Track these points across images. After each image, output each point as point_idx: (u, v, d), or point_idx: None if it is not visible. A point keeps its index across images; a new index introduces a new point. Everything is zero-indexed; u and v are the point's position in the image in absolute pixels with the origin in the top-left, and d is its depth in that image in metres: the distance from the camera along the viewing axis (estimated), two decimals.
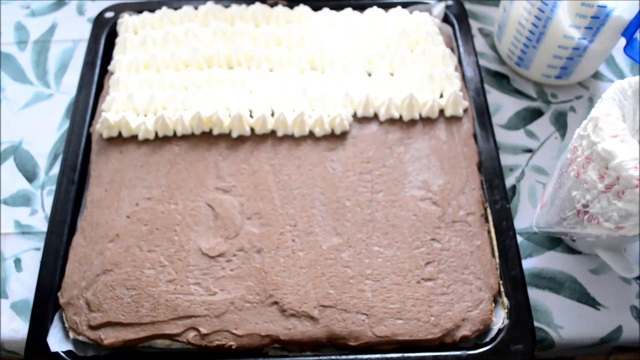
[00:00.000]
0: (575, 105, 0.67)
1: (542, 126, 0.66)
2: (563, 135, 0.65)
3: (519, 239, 0.58)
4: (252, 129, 0.63)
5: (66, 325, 0.53)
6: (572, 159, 0.48)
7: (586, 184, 0.45)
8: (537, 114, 0.67)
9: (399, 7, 0.71)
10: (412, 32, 0.68)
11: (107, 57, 0.70)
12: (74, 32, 0.76)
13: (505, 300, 0.52)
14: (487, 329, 0.52)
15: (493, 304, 0.53)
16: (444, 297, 0.52)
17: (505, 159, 0.63)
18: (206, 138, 0.63)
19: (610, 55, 0.71)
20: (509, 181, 0.62)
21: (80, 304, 0.53)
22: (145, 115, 0.64)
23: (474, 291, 0.53)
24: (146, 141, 0.63)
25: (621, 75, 0.70)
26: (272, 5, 0.72)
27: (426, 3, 0.72)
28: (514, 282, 0.53)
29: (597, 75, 0.70)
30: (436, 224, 0.56)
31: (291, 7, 0.71)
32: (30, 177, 0.64)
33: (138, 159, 0.61)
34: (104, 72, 0.69)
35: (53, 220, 0.58)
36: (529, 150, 0.64)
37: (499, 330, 0.51)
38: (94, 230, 0.57)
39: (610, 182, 0.43)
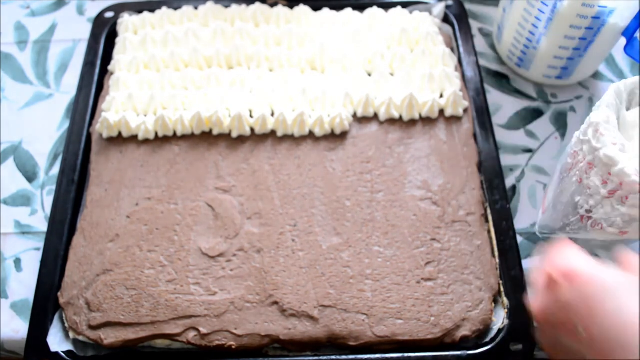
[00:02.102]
0: (575, 105, 0.67)
1: (542, 126, 0.66)
2: (563, 135, 0.65)
3: (519, 239, 0.58)
4: (252, 129, 0.63)
5: (66, 325, 0.53)
6: (573, 164, 0.47)
7: (589, 190, 0.45)
8: (537, 114, 0.67)
9: (399, 7, 0.71)
10: (412, 32, 0.68)
11: (107, 57, 0.70)
12: (74, 32, 0.76)
13: (505, 300, 0.52)
14: (487, 329, 0.52)
15: (493, 304, 0.53)
16: (444, 297, 0.52)
17: (505, 159, 0.63)
18: (206, 138, 0.63)
19: (610, 55, 0.71)
20: (509, 181, 0.62)
21: (80, 304, 0.53)
22: (145, 115, 0.64)
23: (474, 291, 0.53)
24: (146, 141, 0.63)
25: (621, 75, 0.70)
26: (272, 5, 0.72)
27: (426, 3, 0.72)
28: (514, 282, 0.53)
29: (597, 75, 0.70)
30: (436, 224, 0.56)
31: (291, 7, 0.71)
32: (30, 177, 0.64)
33: (138, 159, 0.61)
34: (104, 72, 0.69)
35: (53, 220, 0.58)
36: (529, 150, 0.64)
37: (499, 330, 0.51)
38: (94, 230, 0.57)
39: (613, 188, 0.43)
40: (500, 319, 0.52)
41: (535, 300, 0.40)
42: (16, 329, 0.55)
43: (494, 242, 0.55)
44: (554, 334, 0.38)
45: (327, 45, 0.67)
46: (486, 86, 0.68)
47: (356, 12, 0.71)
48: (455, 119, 0.63)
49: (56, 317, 0.53)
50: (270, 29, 0.69)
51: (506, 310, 0.52)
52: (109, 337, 0.51)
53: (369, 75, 0.67)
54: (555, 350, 0.39)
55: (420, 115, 0.63)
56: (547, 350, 0.40)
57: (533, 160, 0.64)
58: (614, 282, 0.35)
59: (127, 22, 0.71)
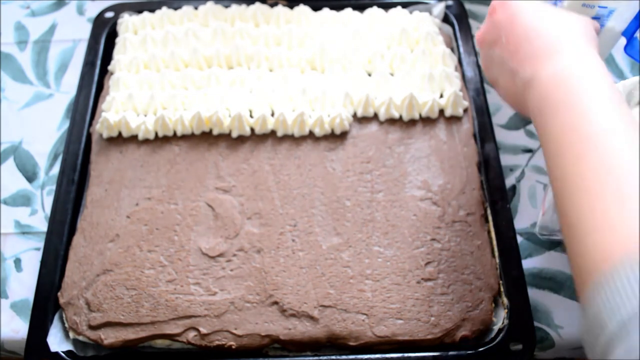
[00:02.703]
0: None
1: None
2: None
3: (519, 239, 0.58)
4: (252, 129, 0.63)
5: (66, 325, 0.53)
6: None
7: None
8: None
9: (399, 7, 0.71)
10: (412, 32, 0.68)
11: (107, 57, 0.70)
12: (74, 32, 0.76)
13: (505, 300, 0.52)
14: (487, 329, 0.52)
15: (493, 304, 0.53)
16: (444, 297, 0.52)
17: (505, 159, 0.63)
18: (206, 138, 0.63)
19: (610, 55, 0.71)
20: (509, 181, 0.62)
21: (80, 304, 0.53)
22: (145, 115, 0.64)
23: (474, 291, 0.53)
24: (146, 141, 0.63)
25: (621, 75, 0.70)
26: (272, 5, 0.72)
27: (426, 3, 0.72)
28: (514, 282, 0.53)
29: None
30: (436, 224, 0.56)
31: (291, 7, 0.71)
32: (30, 177, 0.64)
33: (138, 159, 0.61)
34: (104, 72, 0.69)
35: (53, 220, 0.58)
36: (529, 150, 0.64)
37: (499, 330, 0.51)
38: (94, 230, 0.57)
39: None
40: (500, 319, 0.52)
41: (480, 30, 0.51)
42: (16, 329, 0.55)
43: (494, 242, 0.55)
44: (488, 51, 0.49)
45: (327, 45, 0.67)
46: (486, 86, 0.68)
47: (356, 12, 0.71)
48: (455, 119, 0.63)
49: (56, 317, 0.53)
50: (270, 29, 0.69)
51: (506, 310, 0.52)
52: (109, 337, 0.51)
53: (369, 75, 0.67)
54: (488, 65, 0.50)
55: (420, 115, 0.63)
56: (484, 69, 0.51)
57: (533, 160, 0.64)
58: (528, 3, 0.46)
59: (127, 22, 0.71)
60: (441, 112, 0.63)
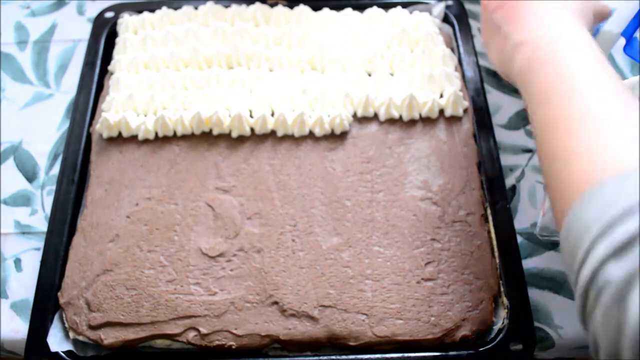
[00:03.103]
0: None
1: None
2: None
3: (519, 239, 0.58)
4: (252, 129, 0.63)
5: (66, 325, 0.53)
6: None
7: None
8: None
9: (399, 7, 0.71)
10: (412, 32, 0.68)
11: (107, 57, 0.70)
12: (74, 32, 0.76)
13: (505, 300, 0.52)
14: (487, 329, 0.52)
15: (493, 304, 0.53)
16: (444, 297, 0.52)
17: (505, 159, 0.63)
18: (206, 138, 0.63)
19: (610, 55, 0.71)
20: (509, 181, 0.62)
21: (80, 304, 0.53)
22: (145, 116, 0.64)
23: (474, 291, 0.53)
24: (146, 141, 0.63)
25: (621, 76, 0.70)
26: (272, 5, 0.72)
27: (426, 3, 0.72)
28: (514, 282, 0.53)
29: None
30: (436, 224, 0.56)
31: (291, 7, 0.71)
32: (30, 177, 0.64)
33: (138, 159, 0.61)
34: (104, 72, 0.69)
35: (53, 220, 0.58)
36: (529, 150, 0.64)
37: (499, 330, 0.51)
38: (94, 230, 0.57)
39: None
40: (500, 319, 0.52)
41: None
42: (16, 329, 0.55)
43: (494, 242, 0.55)
44: (489, 15, 0.49)
45: (327, 45, 0.67)
46: (486, 86, 0.68)
47: (356, 12, 0.71)
48: (455, 119, 0.63)
49: (56, 317, 0.53)
50: (270, 29, 0.69)
51: (506, 310, 0.52)
52: (109, 337, 0.51)
53: (369, 75, 0.67)
54: (486, 28, 0.51)
55: (420, 115, 0.63)
56: (482, 30, 0.52)
57: (533, 160, 0.64)
58: None
59: (127, 22, 0.71)
60: (441, 112, 0.63)
